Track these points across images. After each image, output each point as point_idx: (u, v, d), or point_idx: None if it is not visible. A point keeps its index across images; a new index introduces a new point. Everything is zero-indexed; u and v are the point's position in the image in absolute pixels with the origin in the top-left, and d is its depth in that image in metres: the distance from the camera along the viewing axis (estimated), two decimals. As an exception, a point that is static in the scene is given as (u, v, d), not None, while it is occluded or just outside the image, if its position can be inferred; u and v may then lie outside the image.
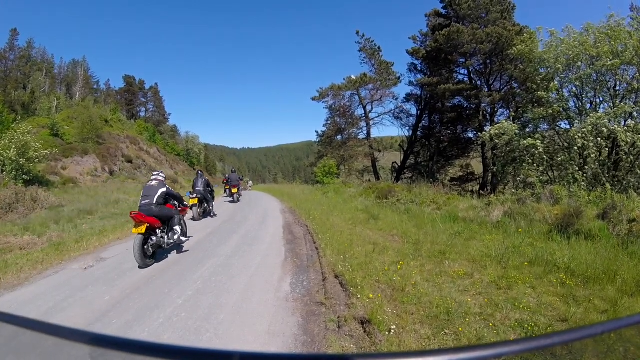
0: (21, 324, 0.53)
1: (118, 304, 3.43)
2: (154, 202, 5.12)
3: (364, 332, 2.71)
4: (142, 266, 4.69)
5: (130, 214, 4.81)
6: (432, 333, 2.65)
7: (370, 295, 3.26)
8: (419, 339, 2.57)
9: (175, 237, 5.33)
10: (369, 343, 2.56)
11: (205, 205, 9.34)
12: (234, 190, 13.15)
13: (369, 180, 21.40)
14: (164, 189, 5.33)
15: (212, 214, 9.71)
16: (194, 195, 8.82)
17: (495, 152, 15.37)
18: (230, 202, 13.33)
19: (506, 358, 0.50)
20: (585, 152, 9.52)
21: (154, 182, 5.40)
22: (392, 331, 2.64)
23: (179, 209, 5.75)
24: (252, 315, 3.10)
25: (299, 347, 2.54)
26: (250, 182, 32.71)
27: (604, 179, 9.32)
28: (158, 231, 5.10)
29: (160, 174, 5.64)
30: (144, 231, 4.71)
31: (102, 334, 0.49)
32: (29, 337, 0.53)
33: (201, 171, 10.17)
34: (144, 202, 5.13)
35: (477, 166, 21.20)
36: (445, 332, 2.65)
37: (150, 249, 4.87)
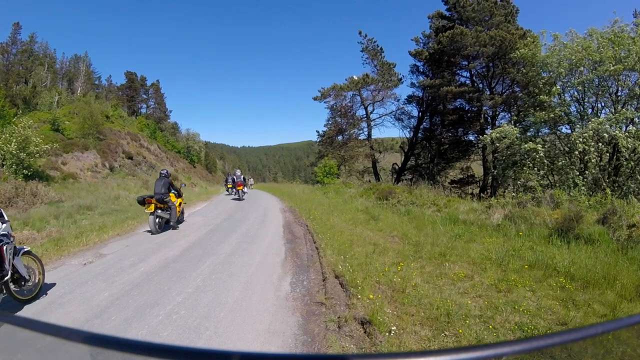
0: (20, 323, 0.53)
1: (117, 301, 3.43)
2: (242, 179, 14.66)
3: (364, 332, 2.71)
4: (241, 199, 14.26)
5: (237, 184, 14.49)
6: (432, 334, 2.65)
7: (371, 296, 3.27)
8: (419, 340, 2.58)
9: (248, 190, 17.24)
10: (369, 344, 2.56)
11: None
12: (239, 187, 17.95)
13: (369, 181, 21.41)
14: (242, 175, 15.15)
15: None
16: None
17: (496, 155, 15.39)
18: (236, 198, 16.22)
19: (506, 358, 0.50)
20: (586, 157, 9.53)
21: (238, 172, 15.16)
22: (392, 332, 2.64)
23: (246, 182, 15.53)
24: (252, 314, 3.10)
25: (299, 347, 2.54)
26: (252, 179, 32.36)
27: (604, 184, 9.34)
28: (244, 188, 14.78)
29: (239, 170, 15.41)
30: (242, 188, 14.39)
31: (101, 333, 0.49)
32: (28, 337, 0.53)
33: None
34: (237, 180, 14.53)
35: (477, 169, 21.20)
36: (445, 334, 2.66)
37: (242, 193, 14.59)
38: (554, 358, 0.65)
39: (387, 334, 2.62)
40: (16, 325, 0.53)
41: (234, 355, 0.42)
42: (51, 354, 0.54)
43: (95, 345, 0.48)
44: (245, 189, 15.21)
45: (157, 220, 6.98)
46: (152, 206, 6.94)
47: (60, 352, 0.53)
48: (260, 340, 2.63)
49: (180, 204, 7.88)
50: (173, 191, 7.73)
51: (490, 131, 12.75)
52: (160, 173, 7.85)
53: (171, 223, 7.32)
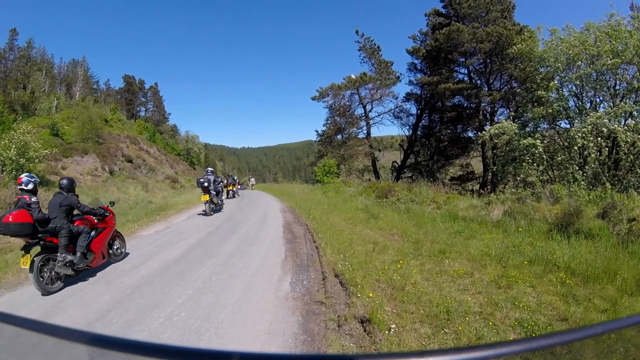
0: (20, 323, 0.53)
1: (118, 304, 3.43)
2: (237, 181, 20.61)
3: (364, 331, 2.72)
4: (236, 195, 17.53)
5: (228, 185, 16.37)
6: (432, 332, 2.65)
7: (370, 294, 3.27)
8: (419, 338, 2.58)
9: (249, 190, 26.81)
10: (368, 342, 2.56)
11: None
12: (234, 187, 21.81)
13: (369, 180, 21.40)
14: (237, 179, 22.24)
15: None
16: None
17: (495, 151, 15.37)
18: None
19: (506, 358, 0.50)
20: (585, 152, 9.51)
21: (235, 177, 20.76)
22: (392, 330, 2.64)
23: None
24: (252, 314, 3.10)
25: (298, 347, 2.54)
26: (253, 179, 31.68)
27: (604, 178, 9.32)
28: (239, 186, 21.97)
29: (236, 176, 22.40)
30: (237, 187, 19.37)
31: (102, 334, 0.49)
32: (28, 337, 0.53)
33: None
34: (233, 182, 17.75)
35: (477, 165, 21.19)
36: (445, 331, 2.66)
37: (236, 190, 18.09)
38: (555, 357, 0.65)
39: (386, 332, 2.62)
40: (16, 325, 0.53)
41: (234, 355, 0.43)
42: (51, 354, 0.54)
43: (95, 345, 0.48)
44: (239, 187, 21.96)
45: (230, 194, 15.40)
46: (231, 186, 15.65)
47: (60, 352, 0.53)
48: (261, 340, 2.63)
49: (233, 187, 16.85)
50: (232, 181, 16.80)
51: (489, 127, 12.73)
52: (229, 175, 16.78)
53: (235, 196, 16.38)
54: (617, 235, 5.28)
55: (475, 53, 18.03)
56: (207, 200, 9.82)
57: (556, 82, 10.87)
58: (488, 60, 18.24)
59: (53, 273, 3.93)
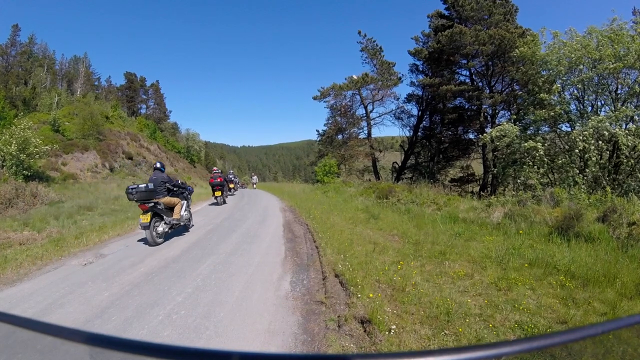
0: (19, 323, 0.53)
1: (117, 301, 3.43)
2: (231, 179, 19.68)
3: (364, 331, 2.71)
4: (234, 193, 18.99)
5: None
6: (432, 333, 2.65)
7: (371, 295, 3.26)
8: (419, 339, 2.58)
9: (250, 189, 27.54)
10: (369, 343, 2.55)
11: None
12: (231, 186, 21.30)
13: (369, 180, 21.40)
14: (235, 177, 21.44)
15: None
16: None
17: (495, 153, 15.39)
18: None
19: (506, 358, 0.50)
20: (586, 155, 9.52)
21: (231, 175, 19.40)
22: (392, 331, 2.64)
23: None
24: (252, 313, 3.10)
25: (298, 346, 2.54)
26: (255, 177, 30.71)
27: (604, 182, 9.34)
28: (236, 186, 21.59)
29: (232, 173, 20.68)
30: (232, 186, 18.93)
31: (100, 333, 0.49)
32: (26, 337, 0.52)
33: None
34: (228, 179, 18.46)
35: (477, 167, 21.20)
36: (445, 333, 2.65)
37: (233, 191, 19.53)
38: (554, 358, 0.64)
39: (387, 332, 2.62)
40: (16, 325, 0.53)
41: (234, 355, 0.42)
42: (51, 354, 0.54)
43: (95, 345, 0.48)
44: (239, 186, 22.92)
45: (227, 193, 14.48)
46: (233, 185, 17.41)
47: (60, 352, 0.53)
48: (260, 339, 2.63)
49: (232, 187, 17.60)
50: (230, 180, 17.47)
51: (490, 130, 12.75)
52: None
53: (230, 193, 17.16)
54: (617, 239, 5.29)
55: (477, 55, 18.03)
56: (232, 187, 17.33)
57: (558, 85, 10.87)
58: (490, 63, 18.24)
59: (225, 197, 13.03)
